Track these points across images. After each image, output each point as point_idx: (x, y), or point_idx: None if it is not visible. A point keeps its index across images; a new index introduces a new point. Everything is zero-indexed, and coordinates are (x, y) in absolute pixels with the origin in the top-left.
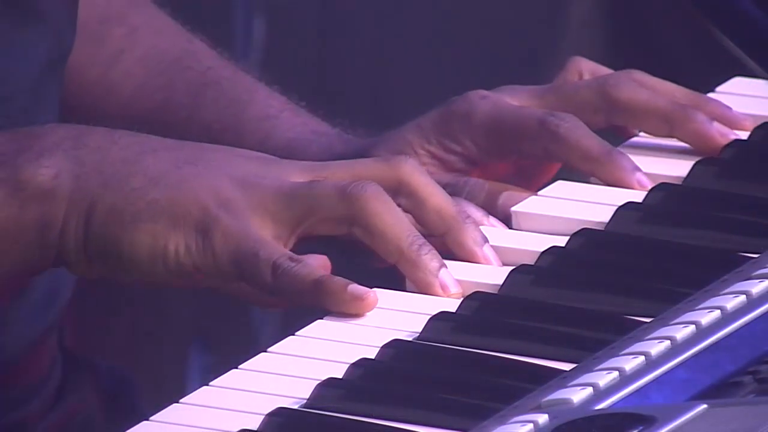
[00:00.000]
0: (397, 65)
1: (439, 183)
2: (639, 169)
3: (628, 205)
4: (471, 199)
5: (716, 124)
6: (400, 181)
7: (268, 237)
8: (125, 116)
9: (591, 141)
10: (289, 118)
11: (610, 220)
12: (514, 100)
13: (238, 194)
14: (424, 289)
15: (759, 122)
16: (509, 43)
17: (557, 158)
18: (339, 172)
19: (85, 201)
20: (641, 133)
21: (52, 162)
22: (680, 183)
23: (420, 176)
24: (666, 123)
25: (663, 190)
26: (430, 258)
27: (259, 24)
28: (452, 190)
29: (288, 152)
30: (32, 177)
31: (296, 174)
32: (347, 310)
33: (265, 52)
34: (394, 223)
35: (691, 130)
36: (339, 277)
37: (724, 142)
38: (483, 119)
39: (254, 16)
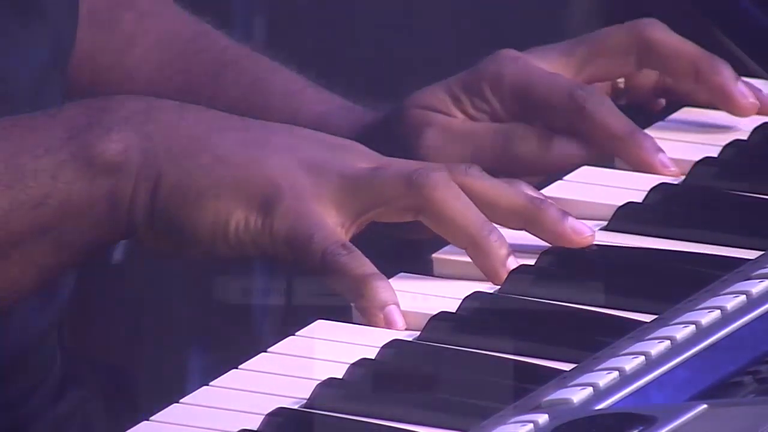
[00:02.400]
0: (397, 64)
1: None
2: (662, 151)
3: (628, 205)
4: None
5: (741, 85)
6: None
7: (329, 222)
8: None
9: (616, 119)
10: (314, 93)
11: (610, 220)
12: (544, 62)
13: (304, 178)
14: (491, 277)
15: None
16: (509, 43)
17: (581, 134)
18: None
19: (153, 176)
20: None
21: (122, 136)
22: (680, 183)
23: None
24: (693, 70)
25: (663, 190)
26: (499, 246)
27: (259, 24)
28: None
29: (319, 126)
30: (102, 151)
31: (361, 160)
32: (371, 323)
33: (265, 52)
34: (463, 211)
35: (716, 83)
36: (384, 289)
37: (744, 103)
38: (511, 82)
39: (254, 16)
